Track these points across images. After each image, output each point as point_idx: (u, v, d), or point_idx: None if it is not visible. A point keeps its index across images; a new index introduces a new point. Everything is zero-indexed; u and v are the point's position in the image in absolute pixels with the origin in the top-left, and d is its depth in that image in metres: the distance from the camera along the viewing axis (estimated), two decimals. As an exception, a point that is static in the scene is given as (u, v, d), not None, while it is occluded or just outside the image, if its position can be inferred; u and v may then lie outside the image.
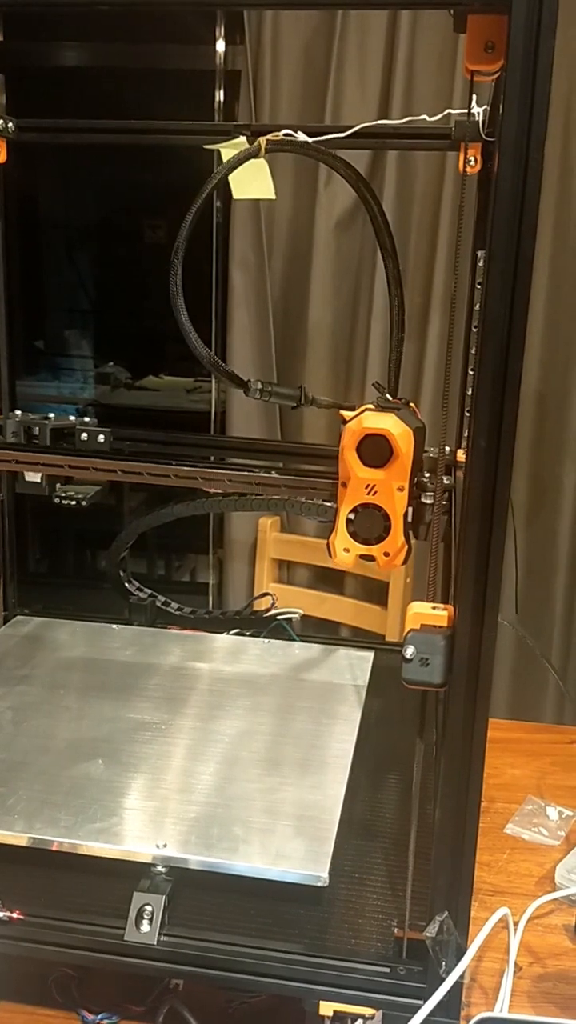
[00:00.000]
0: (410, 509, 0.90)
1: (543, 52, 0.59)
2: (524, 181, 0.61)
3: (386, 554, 0.91)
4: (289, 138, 0.97)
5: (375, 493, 0.88)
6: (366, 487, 0.88)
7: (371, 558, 0.92)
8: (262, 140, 0.96)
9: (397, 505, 0.88)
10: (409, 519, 0.90)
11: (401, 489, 0.88)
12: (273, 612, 1.32)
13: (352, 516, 0.90)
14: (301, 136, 0.97)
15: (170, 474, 1.00)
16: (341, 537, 0.91)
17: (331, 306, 2.17)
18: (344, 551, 0.91)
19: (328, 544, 0.93)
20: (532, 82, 0.60)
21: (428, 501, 0.92)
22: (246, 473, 1.01)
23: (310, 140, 0.97)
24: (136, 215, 2.97)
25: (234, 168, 0.94)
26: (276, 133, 0.97)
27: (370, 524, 0.89)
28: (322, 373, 2.20)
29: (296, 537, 2.21)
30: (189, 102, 2.37)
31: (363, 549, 0.91)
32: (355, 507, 0.89)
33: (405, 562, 0.91)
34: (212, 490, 1.16)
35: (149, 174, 2.78)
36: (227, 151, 1.11)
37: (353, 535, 0.90)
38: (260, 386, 1.03)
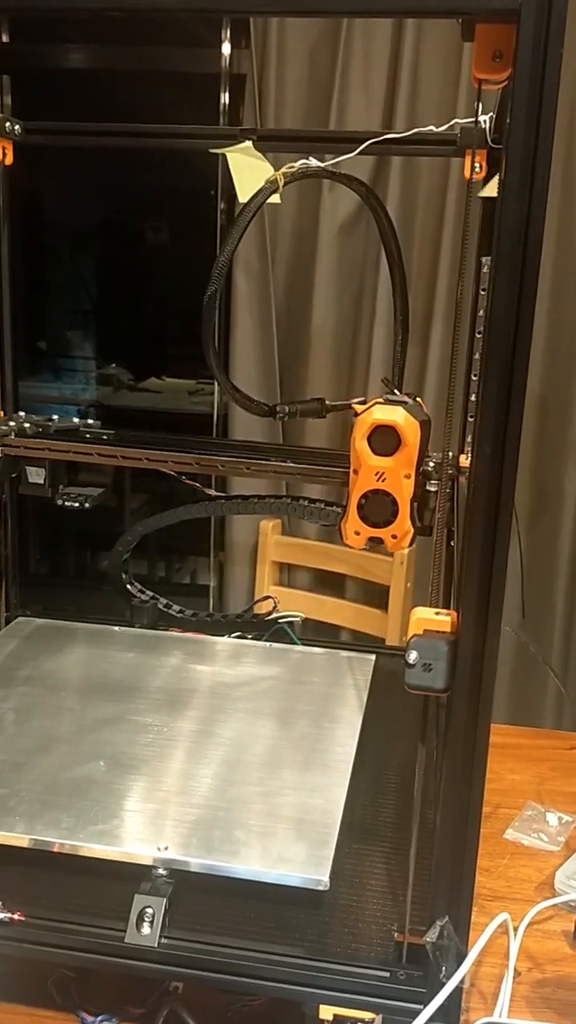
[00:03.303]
0: (415, 504, 0.97)
1: (551, 61, 0.60)
2: (531, 188, 0.62)
3: (393, 536, 0.98)
4: (304, 167, 1.05)
5: (384, 480, 0.95)
6: (375, 474, 0.95)
7: (380, 540, 0.99)
8: (279, 175, 1.03)
9: (404, 491, 0.96)
10: (415, 507, 0.98)
11: (408, 476, 0.95)
12: (275, 615, 1.33)
13: (363, 501, 0.97)
14: (314, 163, 1.05)
15: (192, 462, 1.08)
16: (352, 521, 0.98)
17: (334, 310, 2.17)
18: (355, 534, 0.99)
19: (339, 528, 1.00)
20: (540, 90, 0.60)
21: (432, 489, 0.99)
22: (264, 462, 1.09)
23: (322, 165, 1.04)
24: (139, 217, 2.97)
25: (258, 208, 1.02)
26: (291, 164, 1.04)
27: (379, 508, 0.97)
28: (325, 377, 2.20)
29: (297, 540, 2.21)
30: (194, 105, 2.37)
31: (373, 532, 0.98)
32: (365, 493, 0.97)
33: (411, 545, 0.99)
34: (212, 493, 1.17)
35: (152, 176, 2.78)
36: (233, 155, 1.12)
37: (363, 519, 0.98)
38: (287, 409, 1.13)
